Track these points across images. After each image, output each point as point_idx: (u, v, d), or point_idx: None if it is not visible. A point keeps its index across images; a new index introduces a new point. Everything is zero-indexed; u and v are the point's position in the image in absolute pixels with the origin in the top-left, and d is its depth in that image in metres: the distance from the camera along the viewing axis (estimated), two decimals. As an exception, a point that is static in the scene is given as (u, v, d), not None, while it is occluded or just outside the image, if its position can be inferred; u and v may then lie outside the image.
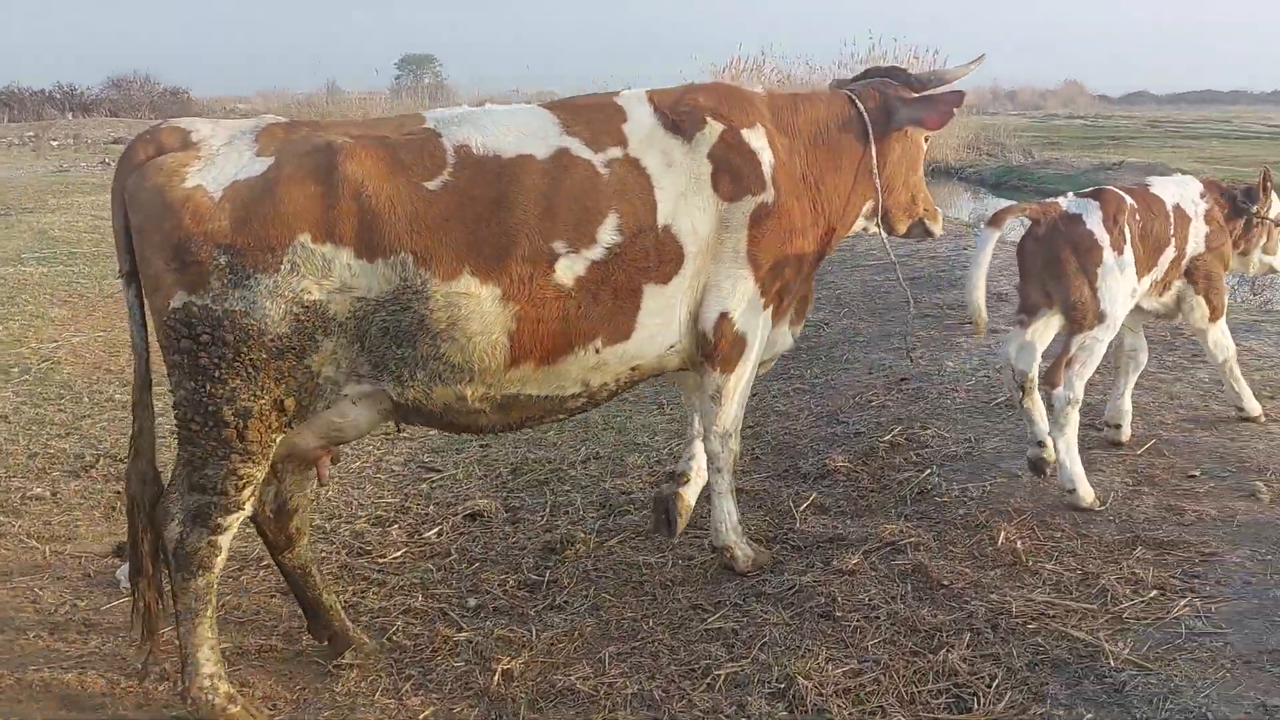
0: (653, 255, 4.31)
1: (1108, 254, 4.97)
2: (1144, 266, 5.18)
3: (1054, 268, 5.06)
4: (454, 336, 4.02)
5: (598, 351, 4.32)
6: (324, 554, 5.56)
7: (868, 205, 4.96)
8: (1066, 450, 4.95)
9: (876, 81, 5.04)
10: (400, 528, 5.89)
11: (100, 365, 9.21)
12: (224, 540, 4.01)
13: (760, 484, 5.85)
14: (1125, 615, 4.03)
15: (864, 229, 5.12)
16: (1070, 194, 5.28)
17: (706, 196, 4.44)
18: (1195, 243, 5.46)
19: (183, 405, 3.87)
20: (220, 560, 4.03)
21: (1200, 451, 5.37)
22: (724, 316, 4.54)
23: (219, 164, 3.83)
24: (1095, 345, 5.00)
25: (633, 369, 4.51)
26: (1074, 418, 4.97)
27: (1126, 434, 5.64)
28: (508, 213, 4.05)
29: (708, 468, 4.95)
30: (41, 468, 6.81)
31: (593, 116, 4.39)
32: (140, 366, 4.05)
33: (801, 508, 5.41)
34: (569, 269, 4.15)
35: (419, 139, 4.10)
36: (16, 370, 9.01)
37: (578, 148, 4.26)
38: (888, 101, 4.88)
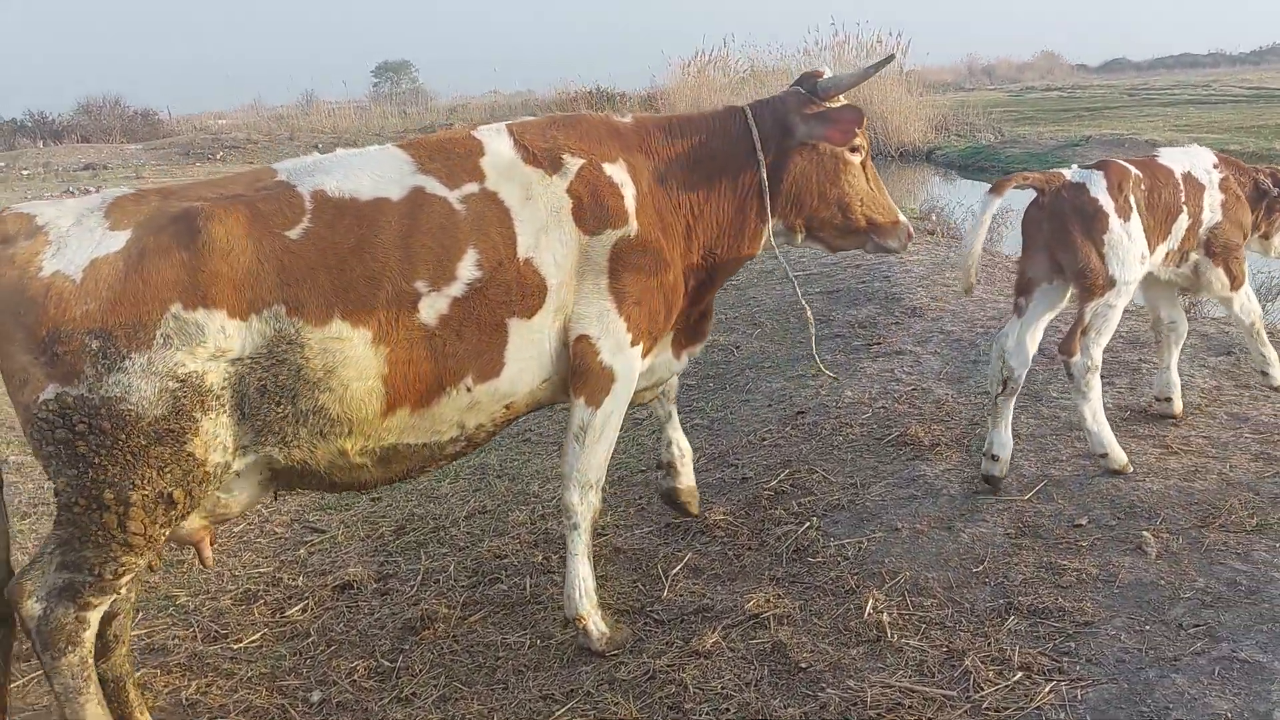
0: (515, 289, 4.15)
1: (1114, 220, 4.99)
2: (1156, 234, 5.20)
3: (1061, 236, 5.05)
4: (330, 385, 3.84)
5: (469, 390, 4.15)
6: (177, 640, 5.13)
7: (778, 224, 4.67)
8: (1093, 417, 5.05)
9: (783, 95, 4.73)
10: (265, 604, 5.44)
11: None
12: (93, 617, 3.75)
13: (639, 541, 5.39)
14: (985, 705, 3.58)
15: (784, 246, 4.79)
16: (1075, 166, 5.27)
17: (568, 230, 4.26)
18: (1211, 211, 5.40)
19: (64, 492, 3.62)
20: (89, 636, 3.76)
21: (1090, 495, 4.91)
22: (590, 346, 4.33)
23: (72, 245, 3.60)
24: (1109, 311, 5.01)
25: (506, 406, 4.32)
26: (1096, 383, 5.05)
27: (1178, 407, 5.68)
28: (369, 256, 3.90)
29: (564, 523, 4.58)
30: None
31: (450, 151, 4.25)
32: None
33: (674, 570, 4.95)
34: (432, 308, 4.00)
35: (274, 191, 3.93)
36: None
37: (432, 185, 4.11)
38: (783, 117, 4.59)
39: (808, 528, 4.99)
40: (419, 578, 5.51)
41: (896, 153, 28.15)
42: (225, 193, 3.93)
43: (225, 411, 3.72)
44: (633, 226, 4.35)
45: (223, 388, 3.70)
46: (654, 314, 4.46)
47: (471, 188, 4.16)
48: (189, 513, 3.81)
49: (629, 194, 4.36)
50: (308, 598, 5.44)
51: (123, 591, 3.93)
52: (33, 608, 3.68)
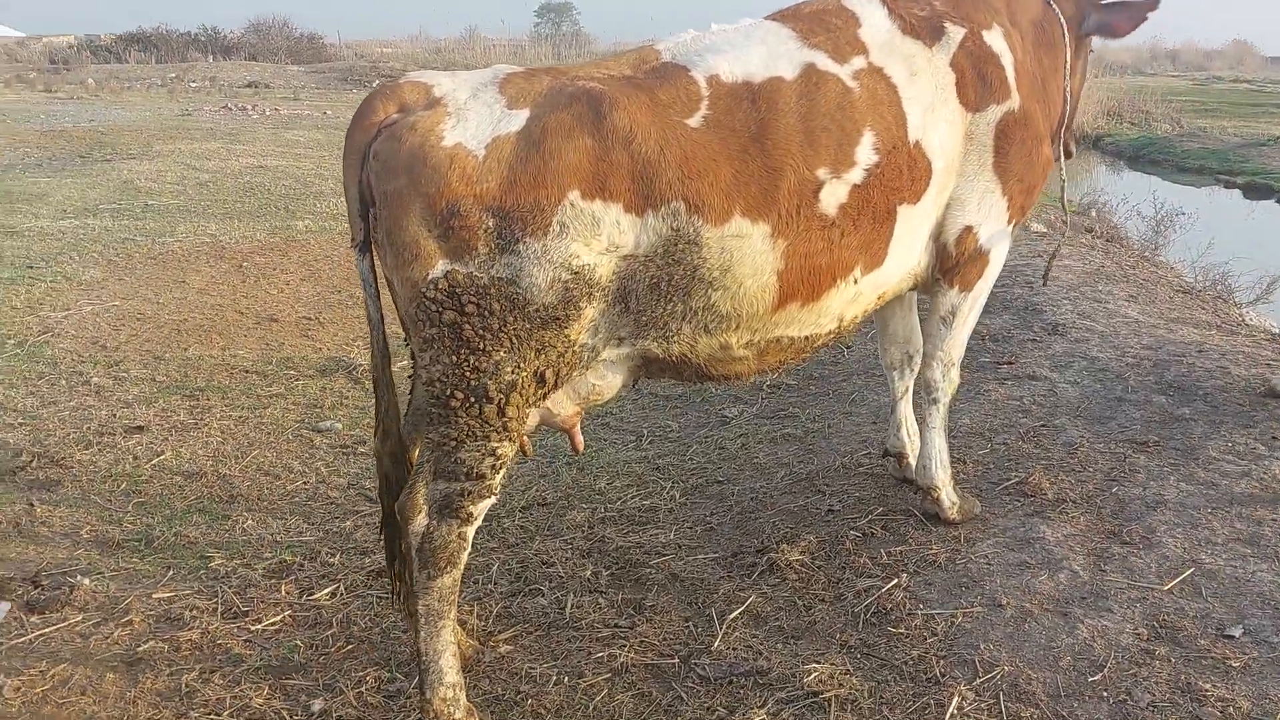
0: (905, 174, 3.89)
1: None
2: None
3: None
4: (725, 284, 3.61)
5: (855, 282, 3.94)
6: (195, 612, 4.62)
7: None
8: None
9: None
10: (295, 581, 4.89)
11: (97, 341, 8.43)
12: (470, 532, 3.63)
13: (700, 569, 4.64)
14: None
15: None
16: None
17: (952, 108, 4.02)
18: None
19: (440, 382, 3.40)
20: (465, 556, 3.64)
21: (1251, 595, 3.94)
22: (968, 231, 4.19)
23: (472, 119, 3.36)
24: None
25: (879, 297, 4.14)
26: None
27: None
28: (770, 143, 3.62)
29: (922, 399, 4.60)
30: (-32, 465, 6.04)
31: (827, 23, 3.96)
32: (378, 340, 3.62)
33: (732, 614, 4.20)
34: (832, 196, 3.74)
35: (668, 75, 3.66)
36: (12, 342, 8.31)
37: (823, 61, 3.82)
38: (1080, 3, 4.52)
39: (894, 586, 4.16)
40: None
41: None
42: (614, 74, 3.64)
43: (609, 303, 3.50)
44: (1015, 100, 4.17)
45: (610, 281, 3.47)
46: (1031, 191, 4.32)
47: (859, 63, 3.88)
48: (551, 394, 3.61)
49: (1009, 64, 4.16)
50: (339, 580, 4.88)
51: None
52: (420, 523, 3.58)
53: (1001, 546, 4.34)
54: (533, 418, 3.70)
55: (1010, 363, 6.28)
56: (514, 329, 3.37)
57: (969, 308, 4.39)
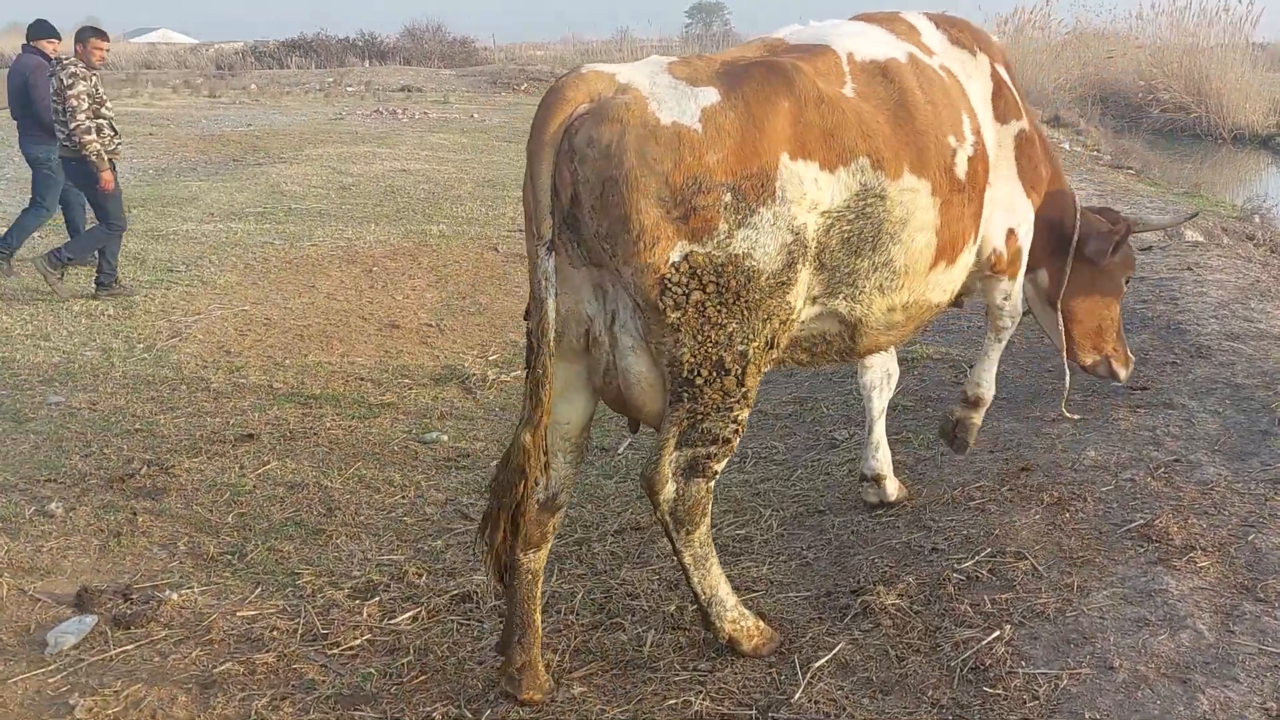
0: (983, 159, 4.21)
1: None
2: None
3: None
4: (902, 238, 3.83)
5: (967, 250, 4.25)
6: (276, 633, 4.57)
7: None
8: None
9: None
10: (379, 604, 4.79)
11: (223, 346, 8.59)
12: (714, 484, 3.76)
13: (790, 608, 4.35)
14: None
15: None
16: None
17: (987, 113, 4.43)
18: None
19: (685, 363, 3.46)
20: (711, 505, 3.78)
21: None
22: (1011, 233, 4.61)
23: (669, 100, 3.38)
24: None
25: (964, 278, 4.44)
26: None
27: None
28: (912, 111, 3.90)
29: (990, 337, 4.97)
30: (83, 471, 6.15)
31: (900, 28, 4.32)
32: (550, 343, 3.45)
33: (818, 663, 3.89)
34: (961, 162, 4.05)
35: (812, 51, 3.88)
36: (141, 346, 8.54)
37: (918, 53, 4.18)
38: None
39: (995, 639, 3.80)
40: (544, 601, 4.71)
41: (1229, 135, 24.68)
42: (751, 58, 3.76)
43: (810, 261, 3.61)
44: (1025, 122, 4.66)
45: (811, 239, 3.57)
46: (1040, 203, 4.79)
47: (937, 60, 4.24)
48: (773, 357, 3.71)
49: (1016, 92, 4.64)
50: (423, 604, 4.76)
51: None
52: (670, 490, 3.64)
53: (1118, 598, 3.92)
54: None
55: (1145, 388, 5.76)
56: (748, 300, 3.42)
57: (1017, 291, 4.84)
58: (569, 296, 3.54)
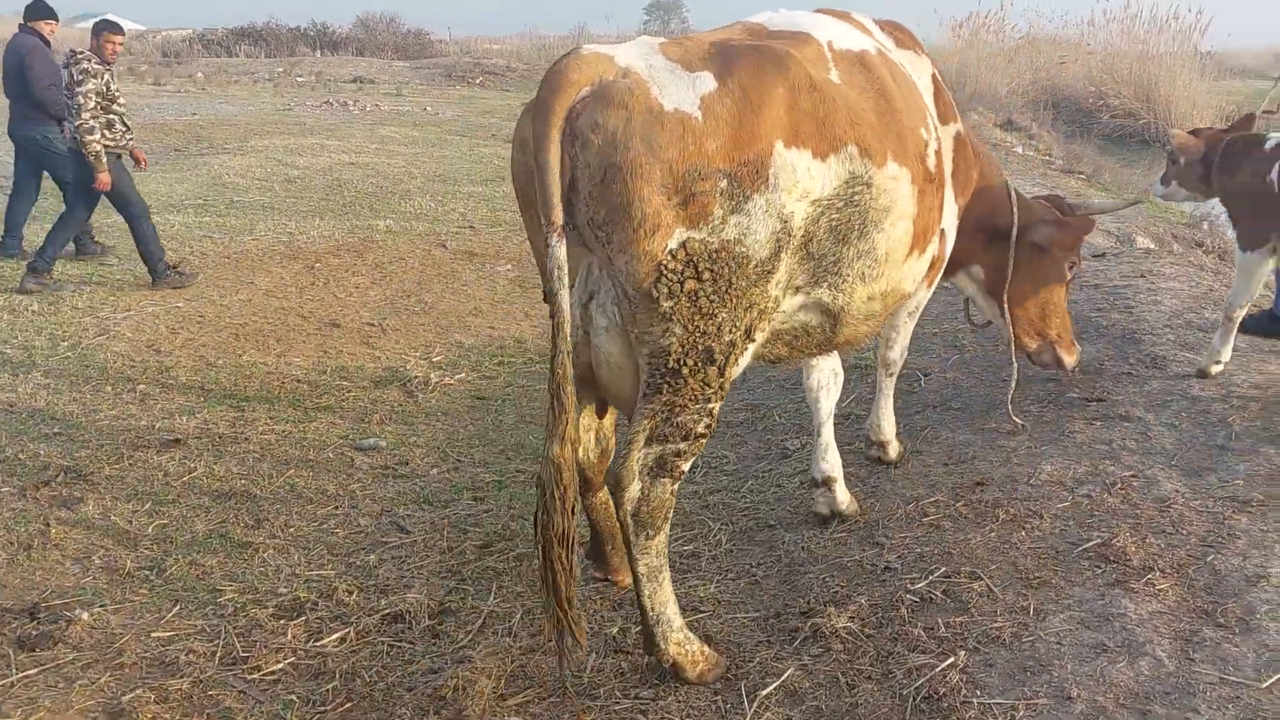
0: (941, 154, 4.24)
1: None
2: None
3: None
4: (884, 226, 3.80)
5: (934, 243, 4.31)
6: (193, 656, 4.31)
7: None
8: None
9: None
10: (305, 623, 4.54)
11: (153, 345, 8.26)
12: (677, 487, 3.64)
13: (738, 631, 4.15)
14: None
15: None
16: None
17: (934, 114, 4.40)
18: None
19: (669, 353, 3.40)
20: (673, 507, 3.68)
21: None
22: (942, 234, 4.48)
23: (669, 84, 3.32)
24: None
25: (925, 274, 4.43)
26: None
27: None
28: (890, 101, 3.90)
29: (882, 375, 5.17)
30: (-3, 478, 5.84)
31: (857, 24, 4.32)
32: (566, 337, 3.32)
33: (765, 691, 3.70)
34: (931, 155, 4.08)
35: (796, 38, 3.83)
36: (66, 344, 8.19)
37: (881, 47, 4.18)
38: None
39: (950, 666, 3.62)
40: (479, 621, 4.50)
41: (1178, 142, 24.90)
42: (746, 38, 3.75)
43: (794, 250, 3.57)
44: (959, 124, 4.69)
45: (797, 228, 3.53)
46: (964, 211, 4.82)
47: (895, 55, 4.25)
48: (753, 347, 3.67)
49: (949, 95, 4.66)
50: (352, 624, 4.52)
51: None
52: (634, 490, 3.52)
53: (1076, 623, 3.76)
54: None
55: (1101, 400, 5.61)
56: (735, 289, 3.38)
57: (923, 302, 4.94)
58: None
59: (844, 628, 3.95)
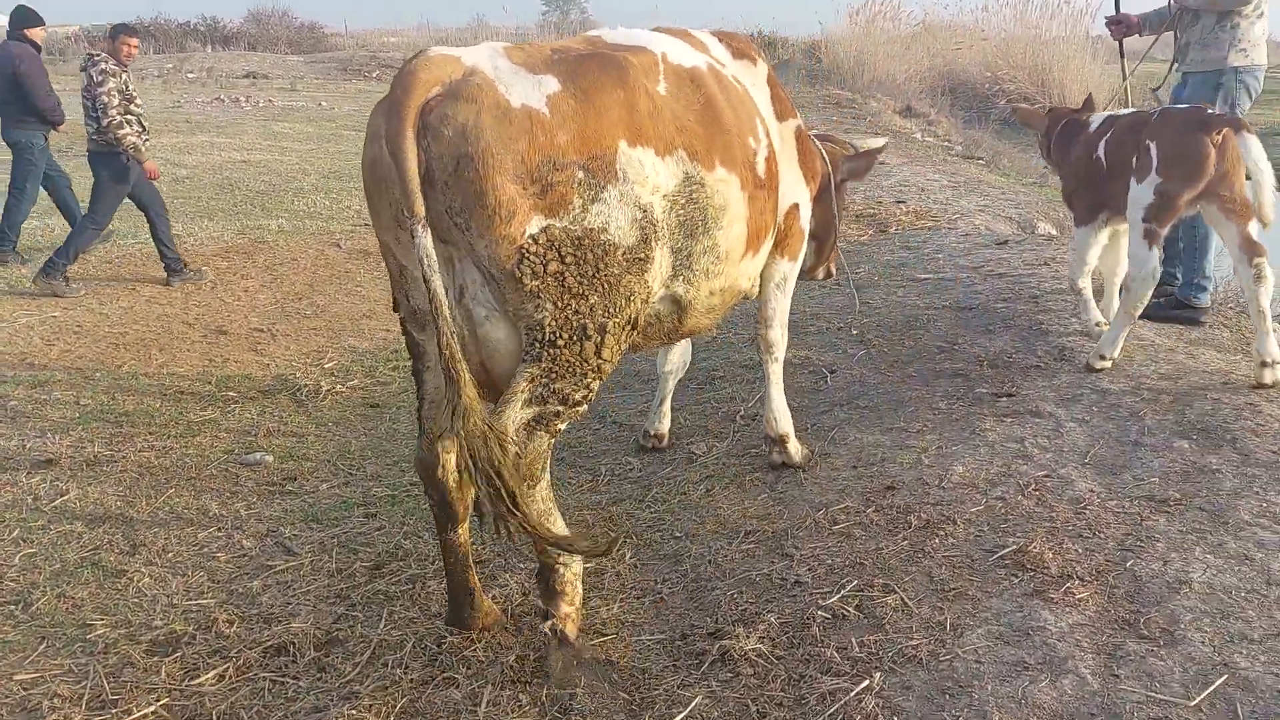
0: (773, 158, 4.52)
1: None
2: None
3: None
4: (722, 224, 4.07)
5: (765, 242, 4.61)
6: (57, 701, 3.93)
7: None
8: None
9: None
10: (180, 660, 4.17)
11: (25, 358, 7.76)
12: (553, 442, 3.75)
13: (643, 654, 3.89)
14: None
15: None
16: None
17: (771, 115, 4.78)
18: None
19: (545, 326, 3.53)
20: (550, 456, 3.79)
21: None
22: (795, 210, 4.97)
23: (515, 84, 3.49)
24: None
25: (765, 266, 4.86)
26: None
27: None
28: (717, 112, 4.14)
29: (766, 359, 5.27)
30: None
31: (692, 39, 4.59)
32: (448, 320, 3.37)
33: (674, 720, 3.46)
34: (760, 162, 4.36)
35: (634, 49, 4.04)
36: (-74, 364, 7.62)
37: (715, 63, 4.42)
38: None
39: (864, 689, 3.41)
40: (368, 652, 4.17)
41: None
42: (584, 48, 3.95)
43: (662, 244, 3.79)
44: (797, 119, 5.08)
45: (660, 220, 3.75)
46: (816, 181, 5.20)
47: (728, 70, 4.50)
48: (636, 338, 3.89)
49: (784, 93, 5.03)
50: (231, 659, 4.16)
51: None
52: (510, 449, 3.53)
53: (995, 638, 3.57)
54: None
55: (1011, 394, 5.47)
56: (607, 275, 3.54)
57: (794, 274, 5.14)
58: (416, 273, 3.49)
59: (753, 650, 3.72)
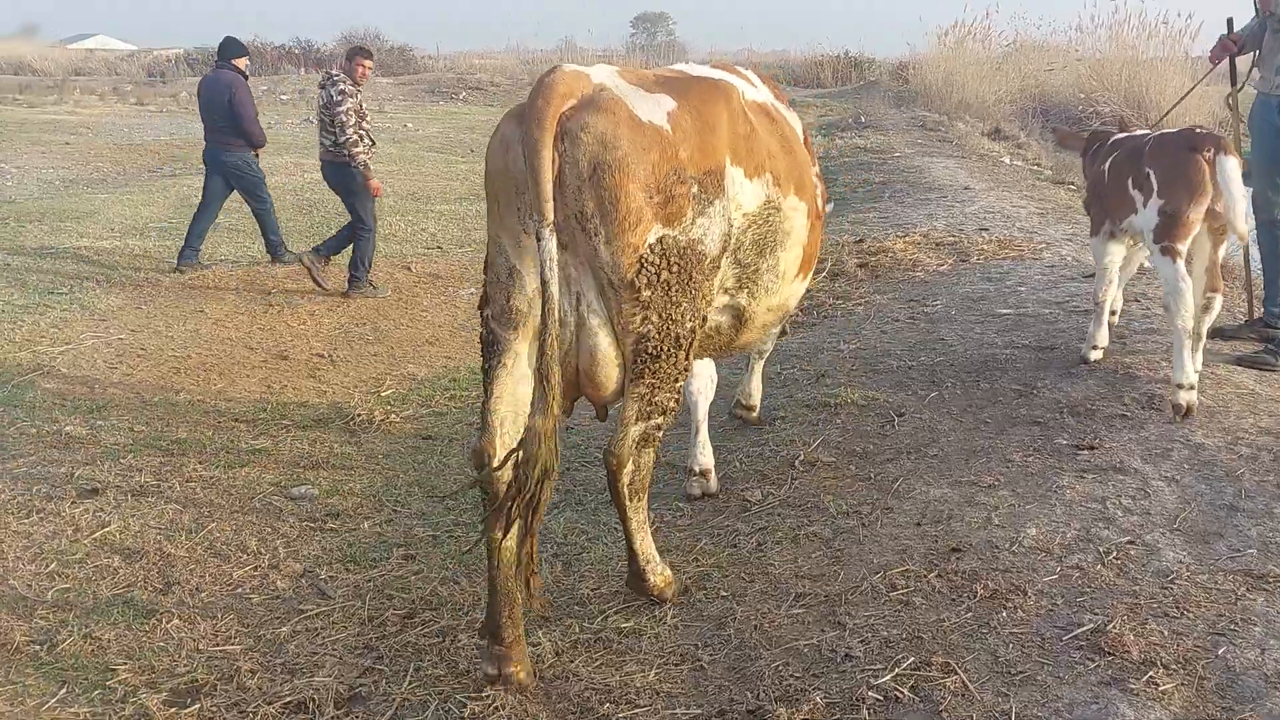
0: (816, 193, 4.70)
1: None
2: None
3: None
4: (788, 246, 4.29)
5: (812, 268, 4.81)
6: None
7: None
8: None
9: None
10: (199, 712, 3.96)
11: (86, 381, 7.69)
12: (656, 453, 4.05)
13: (677, 730, 3.57)
14: None
15: None
16: None
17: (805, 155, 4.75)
18: None
19: (651, 338, 3.73)
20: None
21: None
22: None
23: (638, 101, 3.70)
24: None
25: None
26: None
27: None
28: (792, 144, 4.43)
29: (755, 358, 6.00)
30: None
31: (749, 79, 4.66)
32: (552, 318, 3.50)
33: (702, 816, 3.12)
34: (818, 195, 4.66)
35: (717, 82, 4.18)
36: (-6, 383, 7.60)
37: (771, 100, 4.65)
38: None
39: (917, 789, 3.04)
40: (390, 711, 3.91)
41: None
42: (680, 75, 4.18)
43: (728, 256, 3.99)
44: (818, 166, 5.04)
45: (735, 235, 3.98)
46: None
47: (777, 109, 4.64)
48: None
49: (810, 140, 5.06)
50: (249, 714, 3.93)
51: None
52: (629, 466, 3.94)
53: (1064, 729, 3.17)
54: None
55: (1093, 447, 5.00)
56: (695, 281, 3.75)
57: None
58: (534, 278, 3.60)
59: (797, 733, 3.36)
